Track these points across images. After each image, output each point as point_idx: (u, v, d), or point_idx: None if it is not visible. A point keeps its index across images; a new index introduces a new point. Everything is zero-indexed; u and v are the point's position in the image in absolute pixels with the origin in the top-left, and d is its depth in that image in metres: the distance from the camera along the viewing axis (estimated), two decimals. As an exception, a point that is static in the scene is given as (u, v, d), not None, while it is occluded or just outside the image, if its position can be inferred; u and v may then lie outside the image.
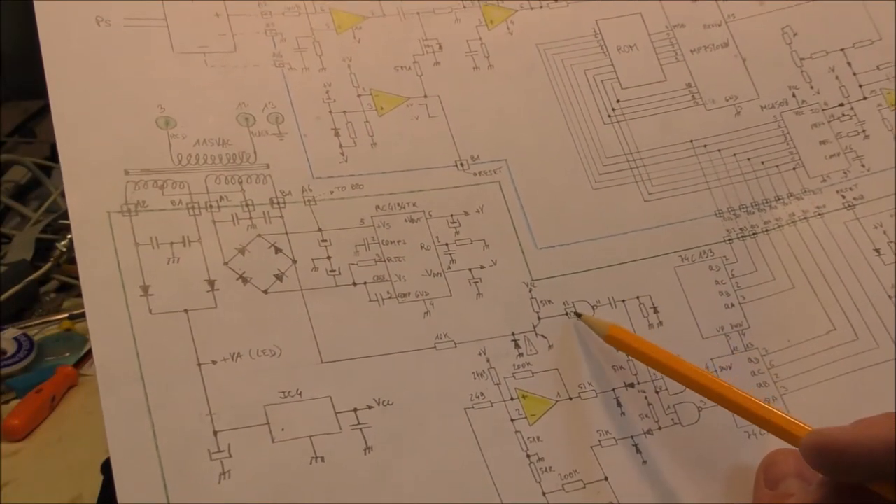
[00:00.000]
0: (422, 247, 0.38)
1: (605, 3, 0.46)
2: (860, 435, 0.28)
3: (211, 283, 0.35)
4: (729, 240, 0.41)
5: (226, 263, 0.35)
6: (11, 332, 0.63)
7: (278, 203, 0.37)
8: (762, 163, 0.43)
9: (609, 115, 0.43)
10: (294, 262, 0.36)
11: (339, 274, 0.36)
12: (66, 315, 0.68)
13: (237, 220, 0.36)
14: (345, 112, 0.40)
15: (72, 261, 0.69)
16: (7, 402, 0.58)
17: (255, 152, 0.38)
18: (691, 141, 0.43)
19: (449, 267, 0.38)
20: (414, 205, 0.39)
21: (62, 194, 0.79)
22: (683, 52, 0.45)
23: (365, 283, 0.37)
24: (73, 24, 0.38)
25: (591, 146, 0.42)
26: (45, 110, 0.89)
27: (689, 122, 0.44)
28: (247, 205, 0.37)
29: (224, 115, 0.38)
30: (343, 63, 0.41)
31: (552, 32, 0.44)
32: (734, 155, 0.43)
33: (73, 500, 0.49)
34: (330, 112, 0.40)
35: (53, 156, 0.85)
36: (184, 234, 0.35)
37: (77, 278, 0.71)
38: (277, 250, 0.36)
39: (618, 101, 0.44)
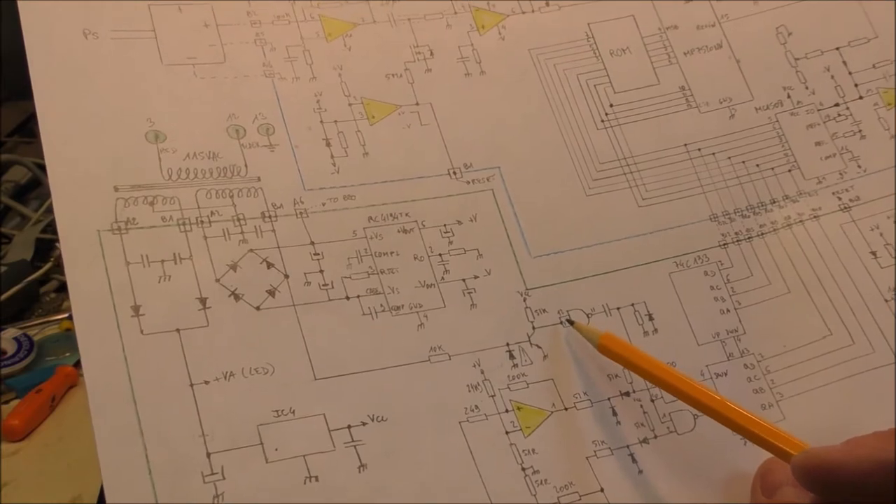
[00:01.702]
0: (415, 258, 0.38)
1: (596, 5, 0.45)
2: (850, 455, 0.28)
3: (203, 300, 0.34)
4: (724, 244, 0.41)
5: (217, 280, 0.35)
6: (11, 332, 0.63)
7: (270, 217, 0.37)
8: (757, 165, 0.43)
9: (602, 121, 0.43)
10: (286, 276, 0.36)
11: (332, 288, 0.36)
12: (66, 315, 0.67)
13: (228, 236, 0.36)
14: (336, 122, 0.40)
15: None
16: (7, 402, 0.58)
17: (245, 165, 0.38)
18: (685, 145, 0.43)
19: (442, 278, 0.38)
20: (407, 215, 0.39)
21: None
22: (677, 55, 0.45)
23: (358, 296, 0.36)
24: (61, 37, 0.37)
25: (584, 152, 0.42)
26: None
27: (683, 125, 0.43)
28: (238, 219, 0.36)
29: (214, 128, 0.38)
30: (334, 71, 0.41)
31: (544, 37, 0.44)
32: (729, 158, 0.43)
33: (73, 500, 0.49)
34: (321, 122, 0.40)
35: None
36: (175, 252, 0.35)
37: None
38: (269, 265, 0.36)
39: (611, 105, 0.43)
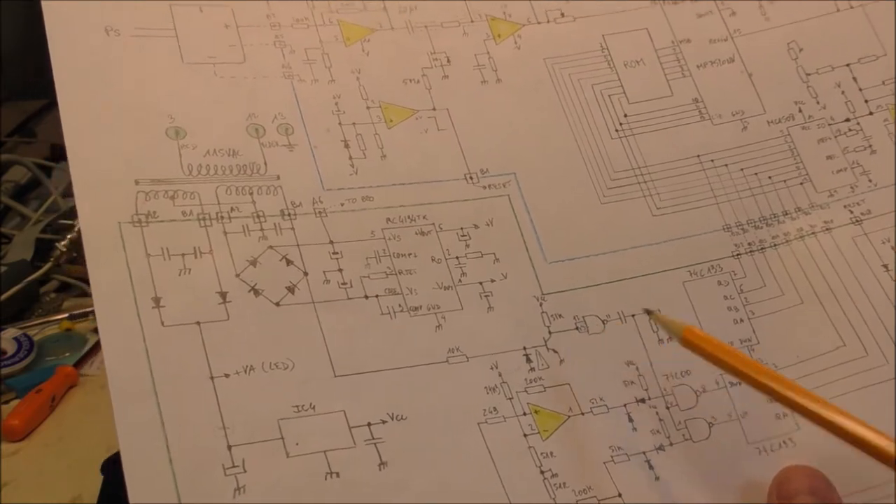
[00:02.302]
0: (433, 260, 0.38)
1: (610, 18, 0.46)
2: None
3: (223, 294, 0.34)
4: (737, 255, 0.41)
5: (237, 275, 0.35)
6: (11, 332, 0.63)
7: (289, 215, 0.37)
8: (769, 178, 0.43)
9: (616, 130, 0.43)
10: (306, 274, 0.36)
11: (351, 287, 0.36)
12: (66, 315, 0.67)
13: (248, 232, 0.36)
14: (354, 124, 0.40)
15: (72, 261, 0.69)
16: (7, 402, 0.58)
17: (265, 163, 0.38)
18: (698, 156, 0.43)
19: (460, 280, 0.38)
20: (424, 217, 0.39)
21: (62, 194, 0.79)
22: (690, 68, 0.45)
23: (377, 295, 0.36)
24: (83, 34, 0.38)
25: (598, 160, 0.42)
26: (45, 110, 0.89)
27: (697, 136, 0.44)
28: (258, 216, 0.36)
29: (234, 126, 0.38)
30: (352, 75, 0.41)
31: (559, 47, 0.44)
32: (741, 170, 0.43)
33: (73, 500, 0.49)
34: (339, 124, 0.40)
35: (53, 156, 0.85)
36: (195, 246, 0.35)
37: (77, 278, 0.71)
38: (289, 262, 0.36)
39: (625, 115, 0.44)
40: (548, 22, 0.45)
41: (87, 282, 0.68)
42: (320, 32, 0.42)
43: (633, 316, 0.39)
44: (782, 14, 0.47)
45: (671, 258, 0.41)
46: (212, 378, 0.32)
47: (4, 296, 0.66)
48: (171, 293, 0.33)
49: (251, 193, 0.37)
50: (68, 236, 0.67)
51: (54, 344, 0.64)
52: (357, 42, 0.42)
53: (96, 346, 0.63)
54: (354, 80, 0.41)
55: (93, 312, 0.65)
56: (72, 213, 0.74)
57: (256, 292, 0.35)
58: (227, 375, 0.33)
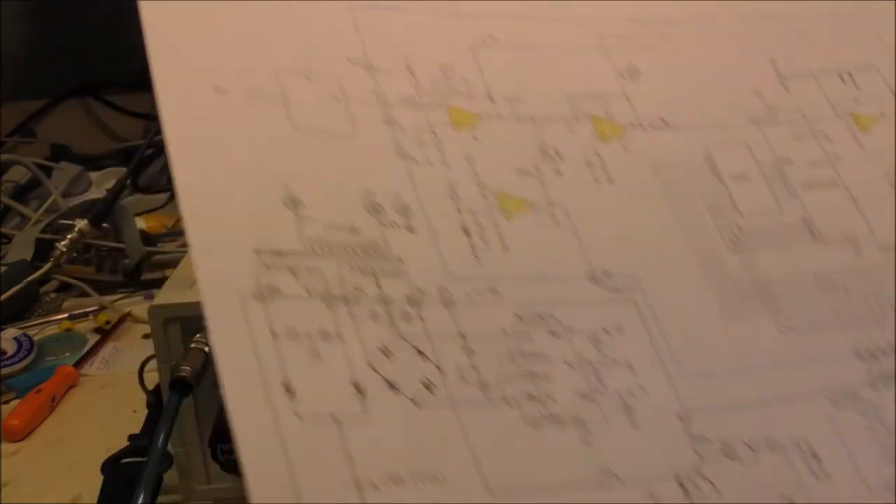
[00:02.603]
0: (566, 363, 0.33)
1: (710, 131, 0.44)
2: None
3: (358, 386, 0.29)
4: (873, 384, 0.37)
5: (370, 365, 0.29)
6: (11, 332, 0.63)
7: (416, 302, 0.32)
8: (893, 305, 0.40)
9: (732, 243, 0.40)
10: (439, 369, 0.30)
11: (490, 388, 0.31)
12: (66, 315, 0.67)
13: (376, 317, 0.31)
14: (473, 212, 0.36)
15: (72, 261, 0.67)
16: (7, 402, 0.58)
17: (386, 244, 0.33)
18: (816, 276, 0.40)
19: (598, 390, 0.33)
20: (553, 317, 0.34)
21: (62, 194, 0.79)
22: (794, 187, 0.43)
23: (517, 400, 0.31)
24: (192, 91, 0.34)
25: (718, 273, 0.39)
26: (45, 110, 0.88)
27: (811, 257, 0.41)
28: (384, 301, 0.31)
29: (351, 201, 0.34)
30: (465, 161, 0.37)
31: (666, 154, 0.42)
32: (862, 295, 0.40)
33: (73, 500, 0.48)
34: (458, 210, 0.36)
35: (53, 156, 0.85)
36: (323, 328, 0.29)
37: (77, 278, 0.68)
38: (421, 354, 0.30)
39: (739, 228, 0.40)
40: (651, 127, 0.43)
41: (87, 282, 0.70)
42: (429, 114, 0.38)
43: (782, 445, 0.34)
44: (877, 143, 0.45)
45: (807, 383, 0.37)
46: (358, 485, 0.26)
47: (4, 296, 0.64)
48: (303, 380, 0.28)
49: (374, 275, 0.32)
50: (68, 236, 0.64)
51: (54, 344, 0.64)
52: (466, 128, 0.39)
53: (96, 346, 0.62)
54: (468, 166, 0.37)
55: (92, 312, 0.65)
56: (72, 213, 0.72)
57: (392, 387, 0.29)
58: (376, 487, 0.26)
